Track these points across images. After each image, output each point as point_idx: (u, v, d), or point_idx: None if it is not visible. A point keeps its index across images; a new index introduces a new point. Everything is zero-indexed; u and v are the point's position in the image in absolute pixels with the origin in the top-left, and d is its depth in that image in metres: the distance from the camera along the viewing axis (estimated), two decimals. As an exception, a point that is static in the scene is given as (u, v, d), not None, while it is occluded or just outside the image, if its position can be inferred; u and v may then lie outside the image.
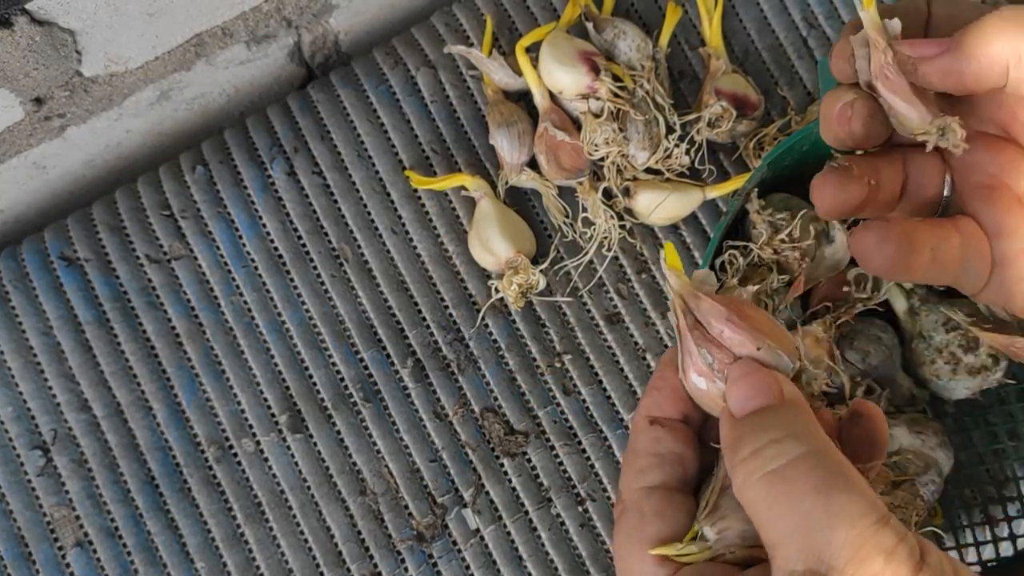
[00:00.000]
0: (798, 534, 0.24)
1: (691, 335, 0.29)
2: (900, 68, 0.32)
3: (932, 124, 0.32)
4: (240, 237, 0.53)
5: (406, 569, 0.50)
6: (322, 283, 0.53)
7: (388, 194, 0.54)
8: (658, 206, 0.52)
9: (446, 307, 0.53)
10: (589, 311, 0.54)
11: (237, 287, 0.53)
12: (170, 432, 0.51)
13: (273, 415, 0.51)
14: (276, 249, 0.53)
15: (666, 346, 0.53)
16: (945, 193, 0.35)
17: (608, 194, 0.54)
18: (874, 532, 0.24)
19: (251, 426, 0.51)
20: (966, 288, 0.34)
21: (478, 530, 0.51)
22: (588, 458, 0.52)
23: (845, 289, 0.50)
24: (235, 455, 0.51)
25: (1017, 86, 0.31)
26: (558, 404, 0.52)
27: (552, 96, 0.53)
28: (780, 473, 0.25)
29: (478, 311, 0.53)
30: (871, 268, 0.33)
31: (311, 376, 0.52)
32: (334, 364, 0.52)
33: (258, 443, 0.51)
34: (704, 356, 0.29)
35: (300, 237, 0.53)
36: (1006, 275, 0.33)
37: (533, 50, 0.53)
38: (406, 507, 0.51)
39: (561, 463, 0.52)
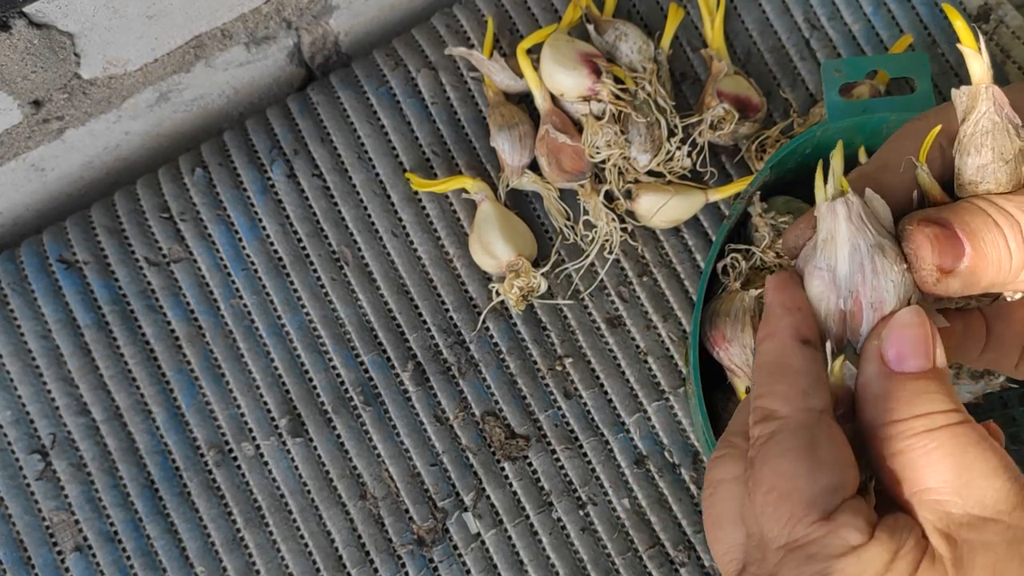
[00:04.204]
0: (959, 481, 0.26)
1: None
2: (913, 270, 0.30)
3: None
4: (240, 240, 0.53)
5: (407, 574, 0.50)
6: (322, 286, 0.53)
7: (388, 196, 0.54)
8: (660, 209, 0.52)
9: (447, 310, 0.53)
10: (590, 314, 0.53)
11: (237, 290, 0.52)
12: (169, 436, 0.51)
13: (273, 419, 0.51)
14: (276, 252, 0.53)
15: (667, 349, 0.53)
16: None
17: (610, 197, 0.53)
18: None
19: (251, 430, 0.51)
20: (965, 360, 0.35)
21: (479, 534, 0.51)
22: (589, 462, 0.52)
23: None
24: (235, 459, 0.51)
25: None
26: (559, 407, 0.52)
27: (553, 98, 0.53)
28: (948, 429, 0.26)
29: (479, 314, 0.53)
30: None
31: (311, 379, 0.52)
32: (334, 367, 0.52)
33: (258, 447, 0.51)
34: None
35: (300, 240, 0.53)
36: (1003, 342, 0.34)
37: (534, 52, 0.53)
38: (406, 511, 0.51)
39: (562, 467, 0.52)
